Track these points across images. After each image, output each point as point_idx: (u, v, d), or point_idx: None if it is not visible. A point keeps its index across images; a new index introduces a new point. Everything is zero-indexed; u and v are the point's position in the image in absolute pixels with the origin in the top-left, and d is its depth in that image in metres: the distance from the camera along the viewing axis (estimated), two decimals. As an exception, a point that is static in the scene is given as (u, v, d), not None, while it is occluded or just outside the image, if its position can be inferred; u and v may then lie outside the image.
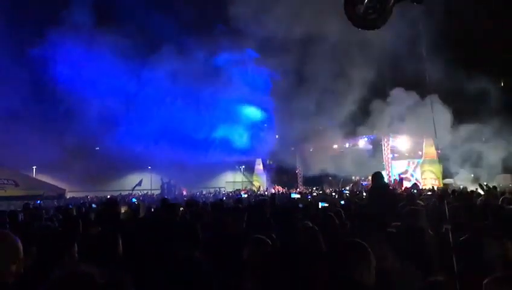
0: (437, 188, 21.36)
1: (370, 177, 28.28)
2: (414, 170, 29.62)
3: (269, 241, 3.76)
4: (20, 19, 29.42)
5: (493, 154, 25.74)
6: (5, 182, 14.86)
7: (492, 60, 27.10)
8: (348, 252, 2.71)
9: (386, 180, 27.71)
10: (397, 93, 28.59)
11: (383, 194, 7.12)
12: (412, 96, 26.88)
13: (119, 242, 3.89)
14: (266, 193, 29.35)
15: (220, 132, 37.89)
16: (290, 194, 18.35)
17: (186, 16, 32.51)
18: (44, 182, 18.90)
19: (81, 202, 21.66)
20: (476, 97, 26.04)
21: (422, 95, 24.98)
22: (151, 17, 33.61)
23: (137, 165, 35.83)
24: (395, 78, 28.31)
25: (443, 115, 25.33)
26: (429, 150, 27.31)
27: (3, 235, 2.38)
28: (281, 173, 38.82)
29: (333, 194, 20.65)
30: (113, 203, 6.89)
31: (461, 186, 19.53)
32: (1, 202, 14.97)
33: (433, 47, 22.19)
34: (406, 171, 30.10)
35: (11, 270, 2.26)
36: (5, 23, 27.94)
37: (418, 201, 8.22)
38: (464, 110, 26.59)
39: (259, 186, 36.99)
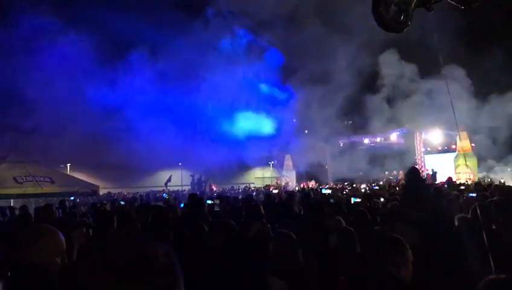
0: (471, 182, 20.81)
1: (401, 172, 27.90)
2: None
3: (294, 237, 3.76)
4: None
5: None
6: (42, 179, 15.21)
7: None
8: (386, 248, 2.75)
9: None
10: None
11: (420, 190, 6.96)
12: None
13: (170, 236, 3.99)
14: (296, 188, 29.28)
15: (248, 127, 38.08)
16: (321, 189, 18.22)
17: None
18: (78, 179, 19.33)
19: (115, 197, 22.22)
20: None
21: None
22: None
23: (168, 161, 36.36)
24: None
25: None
26: (463, 143, 26.52)
27: (46, 229, 2.47)
28: (310, 169, 38.56)
29: (362, 190, 20.45)
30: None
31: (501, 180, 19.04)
32: (39, 198, 15.50)
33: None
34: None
35: (55, 262, 2.35)
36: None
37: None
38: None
39: (288, 182, 36.95)
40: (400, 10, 3.89)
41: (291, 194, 10.62)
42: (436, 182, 22.70)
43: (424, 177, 26.38)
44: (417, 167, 28.64)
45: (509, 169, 26.47)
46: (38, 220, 7.31)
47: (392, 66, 30.04)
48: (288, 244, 3.45)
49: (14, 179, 14.54)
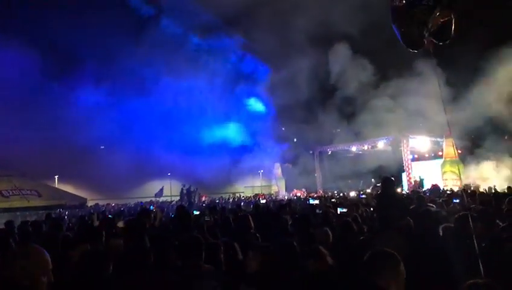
0: (458, 188, 21.03)
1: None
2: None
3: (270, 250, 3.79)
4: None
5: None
6: (28, 193, 15.10)
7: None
8: (378, 262, 2.71)
9: (406, 181, 27.64)
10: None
11: (391, 200, 7.08)
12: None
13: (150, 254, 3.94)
14: (286, 197, 29.32)
15: (236, 136, 38.29)
16: (308, 199, 18.24)
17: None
18: (66, 192, 19.21)
19: (103, 210, 21.98)
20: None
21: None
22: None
23: (157, 172, 36.23)
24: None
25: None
26: (449, 150, 26.83)
27: (33, 249, 2.51)
28: (299, 177, 38.68)
29: (351, 195, 20.56)
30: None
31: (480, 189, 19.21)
32: (26, 212, 15.32)
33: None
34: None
35: (42, 282, 2.39)
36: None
37: (429, 204, 8.18)
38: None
39: (278, 191, 37.03)
40: (427, 29, 3.95)
41: (281, 205, 10.66)
42: (423, 189, 22.90)
43: (412, 184, 26.64)
44: (403, 174, 29.01)
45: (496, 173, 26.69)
46: (24, 236, 7.22)
47: (376, 73, 30.50)
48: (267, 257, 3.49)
49: (0, 193, 14.41)
